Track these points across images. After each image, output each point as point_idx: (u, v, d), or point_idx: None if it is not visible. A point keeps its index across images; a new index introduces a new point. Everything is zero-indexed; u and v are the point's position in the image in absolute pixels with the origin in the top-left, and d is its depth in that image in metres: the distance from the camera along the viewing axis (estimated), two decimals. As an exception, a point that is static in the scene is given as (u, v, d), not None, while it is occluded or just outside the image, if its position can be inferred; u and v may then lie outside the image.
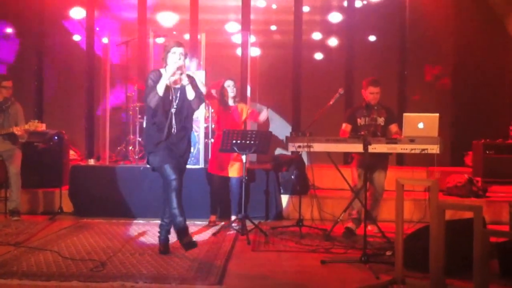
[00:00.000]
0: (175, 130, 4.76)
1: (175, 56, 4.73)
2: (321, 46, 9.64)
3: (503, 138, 7.76)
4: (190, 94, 4.74)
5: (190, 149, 5.01)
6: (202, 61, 7.39)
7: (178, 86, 4.78)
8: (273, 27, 9.85)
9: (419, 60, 9.26)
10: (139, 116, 7.80)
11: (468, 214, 3.75)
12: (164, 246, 4.94)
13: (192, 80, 4.81)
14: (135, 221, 6.42)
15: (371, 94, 5.85)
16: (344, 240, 5.59)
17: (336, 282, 4.21)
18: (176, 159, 4.77)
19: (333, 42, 9.69)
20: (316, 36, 9.67)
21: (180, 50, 4.74)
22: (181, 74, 4.69)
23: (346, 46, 9.36)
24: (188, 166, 5.15)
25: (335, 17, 9.58)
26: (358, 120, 5.89)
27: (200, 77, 5.98)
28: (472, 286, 3.53)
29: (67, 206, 6.85)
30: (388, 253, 4.92)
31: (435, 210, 3.88)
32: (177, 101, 4.77)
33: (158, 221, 6.21)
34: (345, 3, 9.42)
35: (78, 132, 9.10)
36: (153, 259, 4.70)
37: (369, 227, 5.63)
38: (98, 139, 8.40)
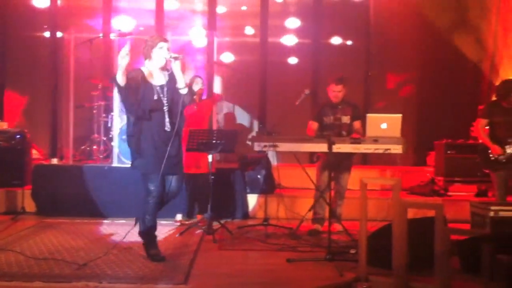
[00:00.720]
0: (162, 130, 4.56)
1: (162, 51, 4.54)
2: (289, 48, 9.69)
3: (464, 138, 7.97)
4: (181, 86, 4.52)
5: (181, 150, 4.76)
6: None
7: (161, 83, 4.59)
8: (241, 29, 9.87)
9: (384, 62, 9.41)
10: (104, 115, 7.71)
11: (431, 213, 3.83)
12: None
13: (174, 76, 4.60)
14: (99, 221, 6.34)
15: (333, 92, 5.92)
16: (310, 239, 5.64)
17: (301, 280, 4.25)
18: (166, 163, 4.50)
19: (300, 44, 9.77)
20: (284, 38, 9.70)
21: (167, 45, 4.58)
22: (167, 68, 4.55)
23: (313, 48, 9.44)
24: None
25: (297, 22, 9.64)
26: (324, 118, 5.96)
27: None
28: (434, 283, 3.63)
29: (30, 206, 6.72)
30: (353, 251, 4.98)
31: (397, 208, 3.96)
32: (162, 98, 4.55)
33: (123, 221, 6.23)
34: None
35: (41, 131, 8.92)
36: (118, 259, 4.65)
37: (334, 226, 5.70)
38: (62, 138, 8.26)
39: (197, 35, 9.08)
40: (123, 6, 9.26)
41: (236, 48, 9.58)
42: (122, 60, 4.32)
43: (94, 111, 7.80)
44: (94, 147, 7.67)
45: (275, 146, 5.60)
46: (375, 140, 5.60)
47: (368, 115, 5.89)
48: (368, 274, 4.10)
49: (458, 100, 8.74)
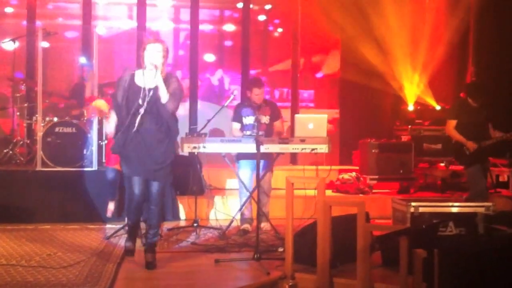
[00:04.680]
0: (147, 133, 4.40)
1: (148, 54, 4.37)
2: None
3: (388, 137, 8.27)
4: (163, 96, 4.35)
5: (169, 155, 4.54)
6: (95, 56, 7.17)
7: (150, 87, 4.37)
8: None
9: (311, 64, 9.63)
10: (27, 117, 7.44)
11: (355, 210, 3.95)
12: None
13: (169, 80, 4.45)
14: (23, 227, 6.11)
15: (256, 95, 5.99)
16: (239, 239, 5.68)
17: (228, 281, 4.28)
18: (147, 167, 4.44)
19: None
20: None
21: (156, 47, 4.40)
22: (156, 72, 4.32)
23: (243, 50, 9.52)
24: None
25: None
26: (244, 119, 6.03)
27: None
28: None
29: None
30: (281, 249, 5.06)
31: (321, 206, 4.07)
32: (147, 101, 4.33)
33: (47, 226, 6.05)
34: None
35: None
36: (41, 266, 4.51)
37: (262, 225, 5.78)
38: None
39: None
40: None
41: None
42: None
43: (17, 113, 7.52)
44: (17, 150, 7.39)
45: (204, 147, 5.62)
46: (302, 140, 5.72)
47: (296, 115, 6.04)
48: (294, 271, 4.19)
49: (382, 100, 9.03)
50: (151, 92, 4.37)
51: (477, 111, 6.05)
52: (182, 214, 6.86)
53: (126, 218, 5.26)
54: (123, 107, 4.41)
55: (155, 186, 4.54)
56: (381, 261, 4.73)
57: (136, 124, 4.34)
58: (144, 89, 4.36)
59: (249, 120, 6.00)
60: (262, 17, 10.75)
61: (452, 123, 6.12)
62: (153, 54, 4.38)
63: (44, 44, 7.78)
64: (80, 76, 7.76)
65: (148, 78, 4.37)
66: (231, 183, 7.51)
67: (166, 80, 4.43)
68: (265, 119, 6.01)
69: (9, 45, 7.94)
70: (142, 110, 4.35)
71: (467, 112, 6.06)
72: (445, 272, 3.69)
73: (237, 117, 6.09)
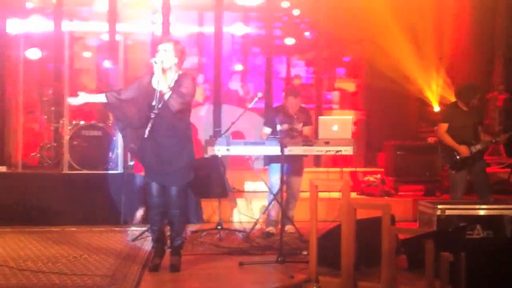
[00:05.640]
0: (159, 136, 4.38)
1: (157, 54, 4.34)
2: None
3: (413, 139, 8.17)
4: (165, 91, 4.29)
5: (182, 158, 4.46)
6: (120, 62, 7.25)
7: (162, 88, 4.33)
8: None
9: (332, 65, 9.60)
10: (54, 120, 7.55)
11: (380, 213, 3.90)
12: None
13: (182, 79, 4.39)
14: (49, 229, 6.19)
15: (290, 104, 5.96)
16: (262, 242, 5.67)
17: (252, 284, 4.28)
18: (160, 172, 4.44)
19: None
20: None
21: (163, 46, 4.36)
22: (156, 66, 4.29)
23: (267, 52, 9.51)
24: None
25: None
26: (278, 125, 5.98)
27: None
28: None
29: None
30: (305, 252, 5.03)
31: (345, 209, 4.03)
32: (159, 103, 4.31)
33: (74, 228, 6.13)
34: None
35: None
36: (66, 268, 4.57)
37: (287, 227, 5.75)
38: (10, 145, 8.04)
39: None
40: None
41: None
42: None
43: (45, 117, 7.64)
44: (44, 154, 7.50)
45: (228, 149, 5.63)
46: (327, 142, 5.70)
47: (320, 117, 6.02)
48: (318, 275, 4.16)
49: (407, 102, 8.92)
50: (164, 94, 4.34)
51: (468, 115, 5.98)
52: (206, 217, 6.88)
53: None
54: (140, 111, 4.39)
55: (173, 190, 4.49)
56: (407, 264, 4.67)
57: (149, 127, 4.32)
58: (157, 91, 4.35)
59: (283, 127, 5.95)
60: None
61: (444, 126, 6.03)
62: (160, 53, 4.35)
63: (71, 49, 7.88)
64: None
65: (162, 79, 4.34)
66: (254, 185, 7.50)
67: (179, 79, 4.39)
68: (298, 126, 5.99)
69: (36, 51, 8.08)
70: (155, 113, 4.33)
71: (458, 116, 5.99)
72: (473, 276, 3.63)
73: (270, 122, 6.06)
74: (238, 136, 6.89)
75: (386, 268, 3.74)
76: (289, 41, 10.43)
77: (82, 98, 4.55)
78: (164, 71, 4.34)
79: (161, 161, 4.41)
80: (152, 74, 4.43)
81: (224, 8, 8.85)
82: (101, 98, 4.48)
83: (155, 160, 4.43)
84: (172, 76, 4.41)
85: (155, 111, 4.32)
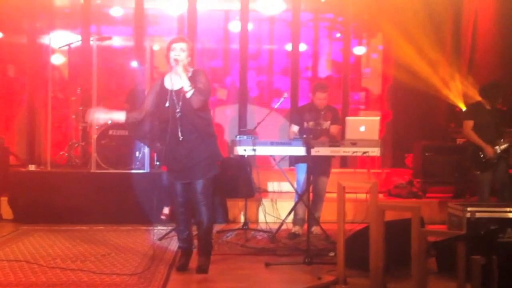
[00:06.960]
0: (182, 137, 4.34)
1: (173, 52, 4.31)
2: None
3: (442, 140, 8.04)
4: (186, 89, 4.24)
5: (199, 153, 4.38)
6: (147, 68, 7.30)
7: (177, 88, 4.33)
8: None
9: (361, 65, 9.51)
10: (82, 119, 7.62)
11: (409, 215, 3.85)
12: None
13: (196, 76, 4.35)
14: (77, 228, 6.27)
15: (318, 100, 5.91)
16: (289, 242, 5.64)
17: (279, 284, 4.26)
18: (180, 169, 4.42)
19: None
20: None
21: (179, 45, 4.32)
22: (177, 66, 4.26)
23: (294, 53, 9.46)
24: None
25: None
26: (305, 123, 5.96)
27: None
28: (411, 283, 3.65)
29: (7, 213, 6.63)
30: (331, 254, 5.00)
31: (374, 211, 3.98)
32: (175, 102, 4.30)
33: (101, 227, 6.18)
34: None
35: (18, 137, 8.79)
36: (95, 266, 4.61)
37: (313, 229, 5.71)
38: (40, 144, 8.17)
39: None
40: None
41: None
42: None
43: (73, 116, 7.73)
44: (72, 153, 7.59)
45: (254, 149, 5.61)
46: (353, 143, 5.64)
47: (347, 118, 5.94)
48: (346, 276, 4.12)
49: (436, 102, 8.78)
50: (180, 94, 4.31)
51: (492, 114, 5.95)
52: (231, 217, 6.88)
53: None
54: (154, 114, 4.43)
55: (197, 186, 4.41)
56: (437, 267, 4.60)
57: (169, 129, 4.31)
58: (171, 91, 4.34)
59: (310, 124, 5.93)
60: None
61: (469, 123, 6.01)
62: (176, 51, 4.32)
63: (98, 49, 7.95)
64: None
65: (175, 78, 4.35)
66: (281, 186, 7.49)
67: (193, 76, 4.36)
68: (326, 124, 5.94)
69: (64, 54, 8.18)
70: (171, 112, 4.31)
71: (482, 114, 5.95)
72: (505, 279, 3.55)
73: (297, 120, 6.02)
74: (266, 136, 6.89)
75: (416, 271, 3.69)
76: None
77: (103, 117, 4.54)
78: (185, 69, 4.34)
79: (181, 158, 4.38)
80: (162, 77, 4.47)
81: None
82: (120, 116, 4.48)
83: (176, 158, 4.40)
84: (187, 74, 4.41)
85: (178, 110, 4.30)
